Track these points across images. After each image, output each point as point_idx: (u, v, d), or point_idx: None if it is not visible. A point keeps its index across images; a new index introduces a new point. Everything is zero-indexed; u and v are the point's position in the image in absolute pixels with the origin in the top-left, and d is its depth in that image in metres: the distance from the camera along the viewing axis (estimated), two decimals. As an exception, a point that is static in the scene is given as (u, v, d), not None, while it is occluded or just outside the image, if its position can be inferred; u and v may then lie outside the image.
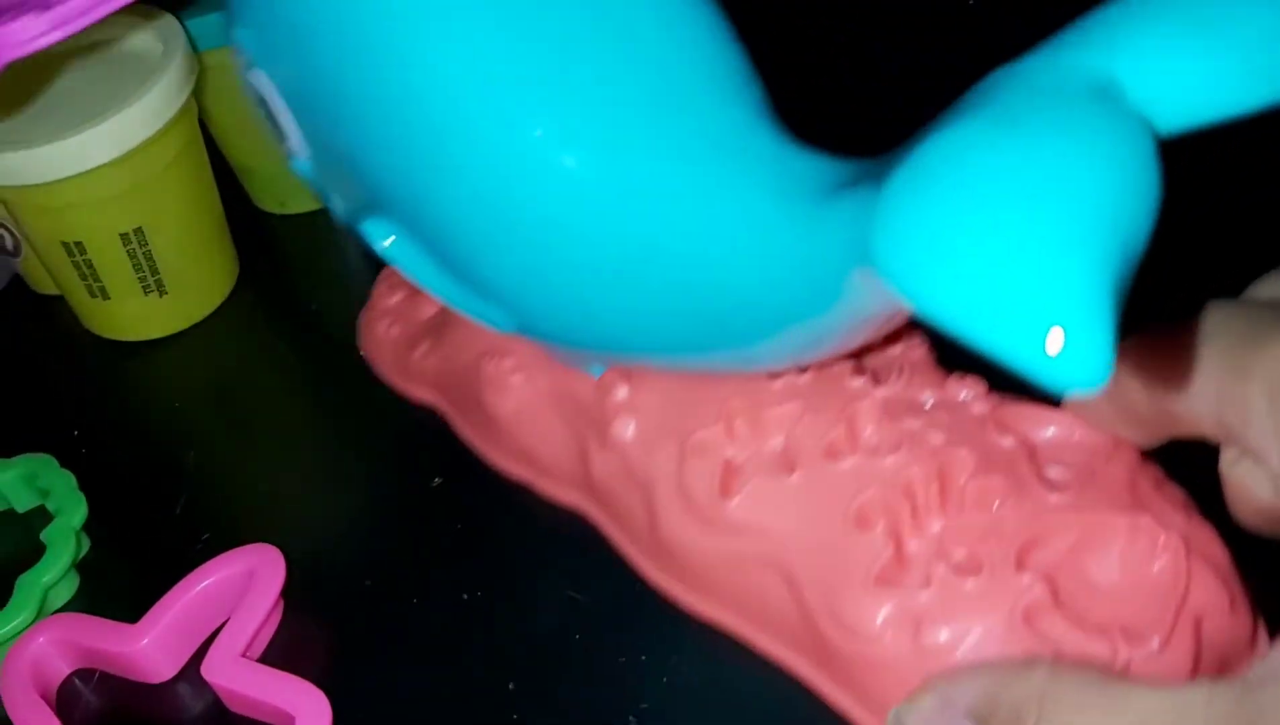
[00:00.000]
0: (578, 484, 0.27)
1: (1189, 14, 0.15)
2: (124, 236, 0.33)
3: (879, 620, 0.21)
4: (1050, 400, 0.23)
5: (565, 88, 0.20)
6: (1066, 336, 0.12)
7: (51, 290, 0.37)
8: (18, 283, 0.38)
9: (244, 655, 0.25)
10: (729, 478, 0.23)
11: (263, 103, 0.24)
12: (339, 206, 0.26)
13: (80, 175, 0.31)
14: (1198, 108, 0.14)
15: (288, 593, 0.26)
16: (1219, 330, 0.18)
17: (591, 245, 0.21)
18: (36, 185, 0.31)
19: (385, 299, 0.32)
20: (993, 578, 0.20)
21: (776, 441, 0.24)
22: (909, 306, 0.15)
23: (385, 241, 0.24)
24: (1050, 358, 0.13)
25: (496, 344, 0.27)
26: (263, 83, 0.24)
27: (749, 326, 0.20)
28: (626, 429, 0.25)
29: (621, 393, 0.25)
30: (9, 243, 0.35)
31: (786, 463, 0.23)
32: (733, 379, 0.24)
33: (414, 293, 0.32)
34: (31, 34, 0.27)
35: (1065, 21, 0.16)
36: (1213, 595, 0.20)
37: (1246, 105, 0.14)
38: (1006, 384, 0.23)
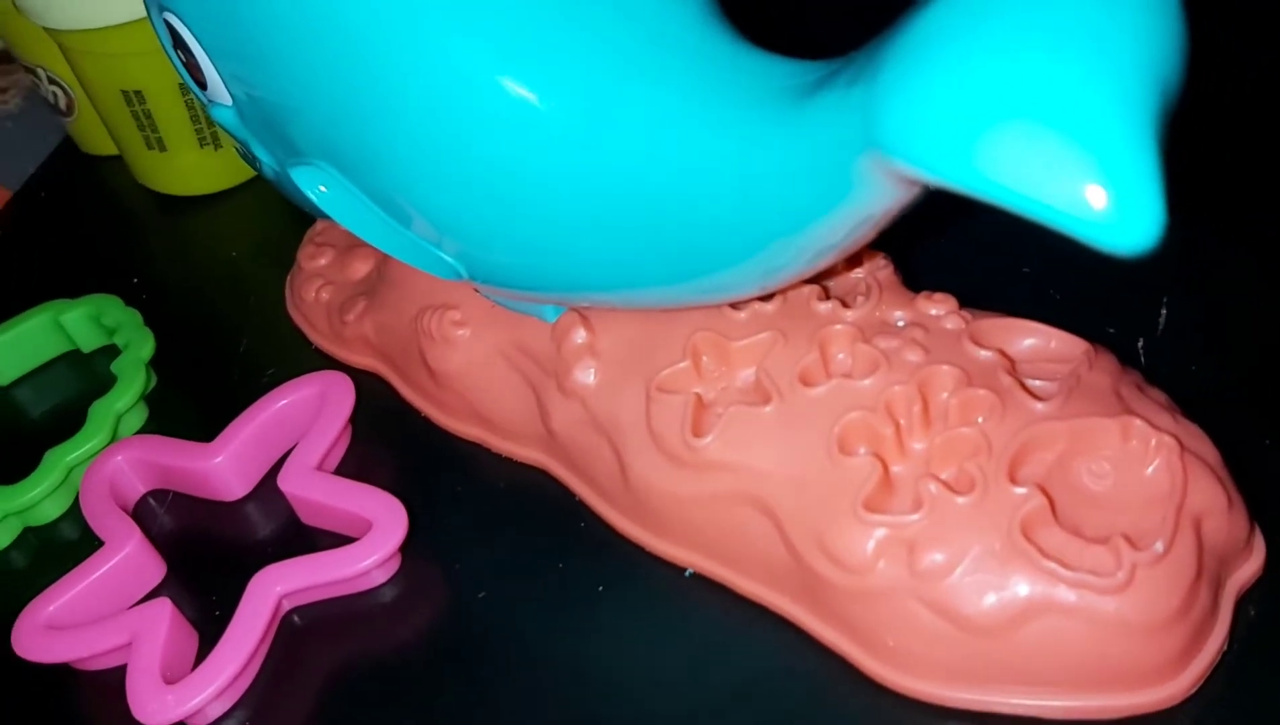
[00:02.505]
0: (537, 439, 0.25)
1: None
2: (182, 86, 0.32)
3: (870, 549, 0.20)
4: (1021, 313, 0.22)
5: (502, 8, 0.19)
6: (1115, 191, 0.12)
7: (102, 151, 0.37)
8: (68, 145, 0.38)
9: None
10: (700, 415, 0.22)
11: (178, 46, 0.23)
12: (265, 159, 0.24)
13: (142, 20, 0.30)
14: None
15: (355, 420, 0.27)
16: None
17: (549, 176, 0.19)
18: (97, 30, 0.31)
19: (312, 261, 0.30)
20: (985, 494, 0.20)
21: (747, 374, 0.22)
22: (923, 186, 0.14)
23: (319, 188, 0.22)
24: (1101, 214, 0.12)
25: (437, 298, 0.26)
26: (177, 24, 0.22)
27: (727, 246, 0.19)
28: (587, 375, 0.24)
29: (579, 337, 0.24)
30: (62, 102, 0.35)
31: (760, 394, 0.22)
32: (695, 313, 0.23)
33: (343, 252, 0.30)
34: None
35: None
36: (1210, 495, 0.20)
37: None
38: (976, 299, 0.23)
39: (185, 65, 0.23)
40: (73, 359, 0.31)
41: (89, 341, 0.31)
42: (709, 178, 0.18)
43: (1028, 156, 0.12)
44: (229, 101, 0.23)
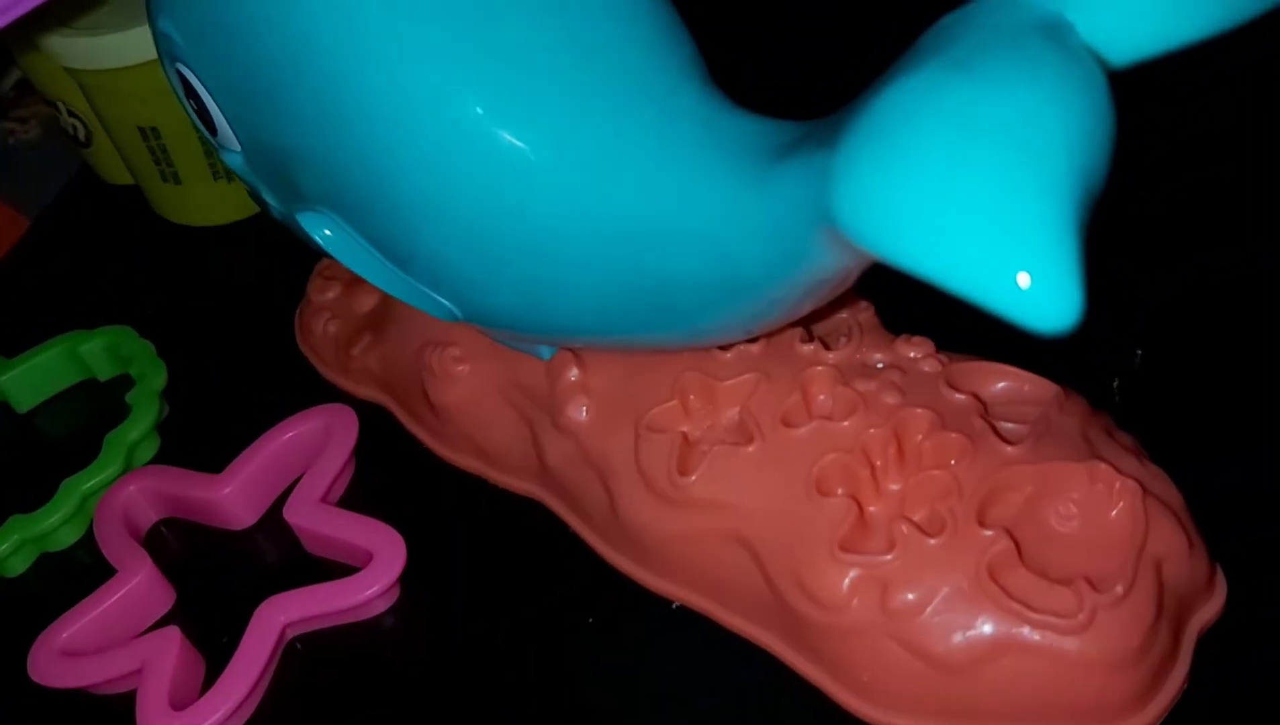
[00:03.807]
0: (532, 473, 0.26)
1: None
2: None
3: (845, 587, 0.21)
4: (998, 356, 0.23)
5: (496, 63, 0.20)
6: (1036, 275, 0.12)
7: (119, 181, 0.38)
8: (86, 173, 0.39)
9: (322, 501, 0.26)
10: (686, 454, 0.23)
11: (189, 95, 0.24)
12: (272, 202, 0.25)
13: (157, 61, 0.31)
14: (1146, 40, 0.14)
15: (359, 450, 0.28)
16: None
17: (535, 226, 0.20)
18: (116, 69, 0.33)
19: (321, 294, 0.31)
20: (955, 535, 0.20)
21: (732, 414, 0.23)
22: (874, 259, 0.15)
23: (324, 232, 0.23)
24: (1022, 297, 0.13)
25: (439, 334, 0.27)
26: (189, 75, 0.23)
27: (702, 298, 0.20)
28: (580, 412, 0.24)
29: (572, 375, 0.25)
30: (81, 133, 0.37)
31: (744, 434, 0.23)
32: (685, 354, 0.24)
33: (350, 287, 0.31)
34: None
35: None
36: (1171, 539, 0.20)
37: (1193, 35, 0.14)
38: (953, 343, 0.24)
39: (196, 112, 0.24)
40: (89, 387, 0.32)
41: (105, 371, 0.32)
42: (687, 234, 0.19)
43: (957, 244, 0.13)
44: (238, 148, 0.24)
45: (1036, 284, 0.12)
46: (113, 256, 0.37)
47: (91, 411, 0.32)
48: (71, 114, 0.36)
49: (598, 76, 0.20)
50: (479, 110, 0.20)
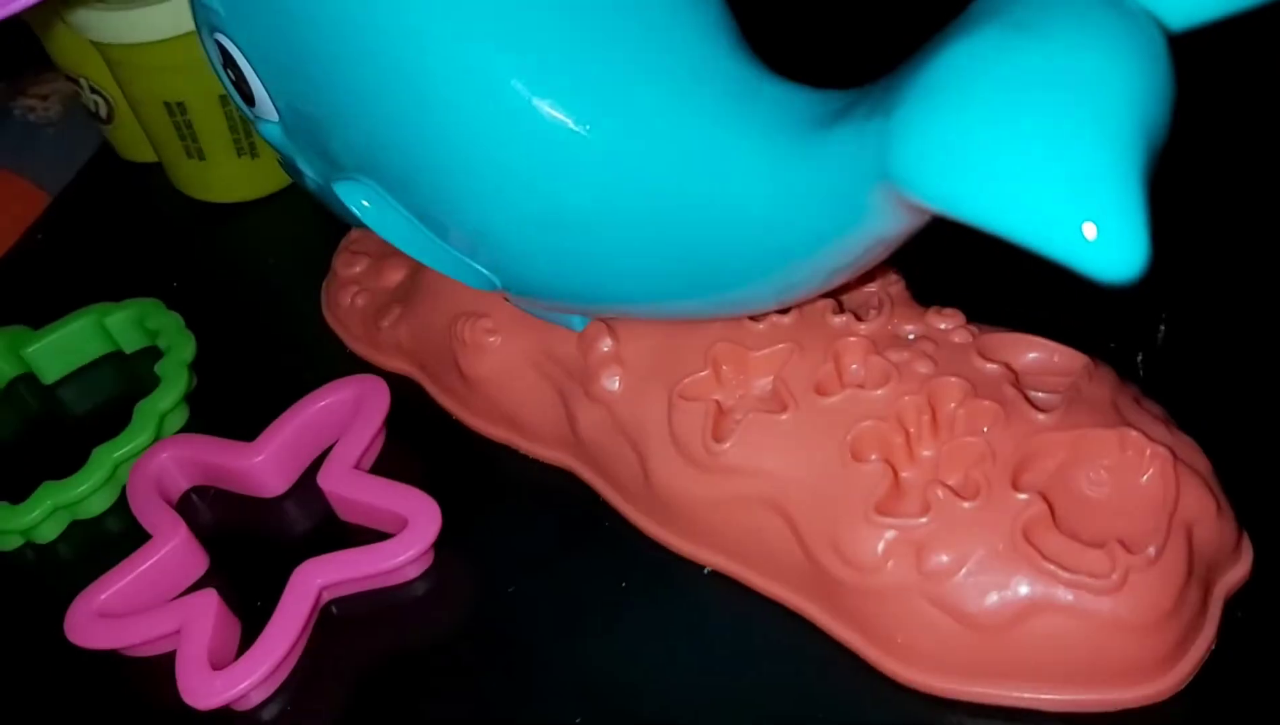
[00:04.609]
0: (563, 442, 0.27)
1: None
2: (222, 98, 0.34)
3: (880, 549, 0.21)
4: (1024, 328, 0.24)
5: (543, 37, 0.20)
6: (1104, 226, 0.13)
7: (141, 158, 0.39)
8: (106, 150, 0.40)
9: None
10: (720, 421, 0.23)
11: (228, 65, 0.24)
12: (309, 172, 0.25)
13: (185, 35, 0.32)
14: (1201, 3, 0.15)
15: (388, 421, 0.28)
16: None
17: (582, 196, 0.21)
18: (144, 44, 0.33)
19: (348, 268, 0.31)
20: (989, 499, 0.21)
21: (765, 383, 0.24)
22: (930, 217, 0.15)
23: (361, 202, 0.23)
24: (1090, 247, 0.13)
25: (470, 306, 0.27)
26: (228, 45, 0.23)
27: (746, 266, 0.20)
28: (613, 382, 0.25)
29: (605, 345, 0.25)
30: (103, 110, 0.37)
31: (777, 403, 0.23)
32: (716, 324, 0.24)
33: (377, 260, 0.31)
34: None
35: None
36: (1200, 503, 0.21)
37: (1248, 1, 0.15)
38: (982, 314, 0.24)
39: (234, 83, 0.24)
40: (115, 360, 0.33)
41: (131, 343, 0.32)
42: (733, 201, 0.20)
43: (1026, 195, 0.13)
44: (275, 118, 0.24)
45: (1103, 233, 0.13)
46: (135, 232, 0.37)
47: (118, 383, 0.32)
48: (94, 90, 0.36)
49: (642, 49, 0.20)
50: (526, 84, 0.20)
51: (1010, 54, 0.14)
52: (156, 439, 0.29)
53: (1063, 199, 0.13)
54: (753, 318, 0.24)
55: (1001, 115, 0.14)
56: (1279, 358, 0.26)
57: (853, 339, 0.23)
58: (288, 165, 0.26)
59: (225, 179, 0.36)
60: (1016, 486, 0.21)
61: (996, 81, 0.14)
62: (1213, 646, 0.21)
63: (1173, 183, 0.30)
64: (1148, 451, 0.21)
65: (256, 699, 0.24)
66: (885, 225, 0.18)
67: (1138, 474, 0.21)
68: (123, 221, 0.38)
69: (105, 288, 0.33)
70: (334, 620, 0.25)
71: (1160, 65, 0.14)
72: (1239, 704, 0.21)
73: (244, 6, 0.23)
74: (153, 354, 0.32)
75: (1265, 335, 0.27)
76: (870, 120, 0.17)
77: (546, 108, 0.20)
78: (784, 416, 0.23)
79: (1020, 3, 0.15)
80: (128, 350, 0.33)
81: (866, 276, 0.25)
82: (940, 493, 0.21)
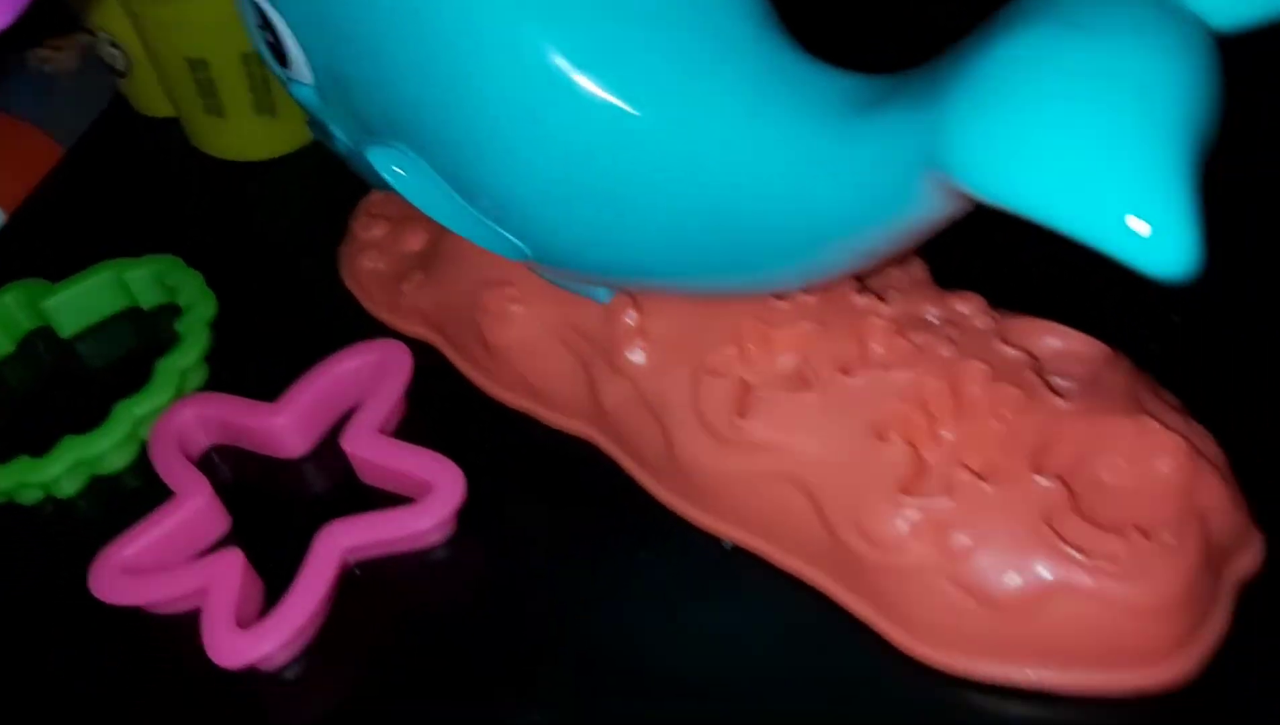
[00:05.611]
0: (585, 413, 0.27)
1: None
2: (244, 57, 0.34)
3: (903, 529, 0.22)
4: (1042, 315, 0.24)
5: (585, 12, 0.20)
6: (1157, 222, 0.13)
7: (156, 112, 0.39)
8: (120, 104, 0.40)
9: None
10: (744, 398, 0.24)
11: (264, 26, 0.24)
12: (341, 136, 0.25)
13: None
14: (1246, 8, 0.15)
15: (409, 387, 0.28)
16: None
17: (620, 171, 0.21)
18: (172, 1, 0.33)
19: (367, 231, 0.32)
20: (1011, 482, 0.21)
21: (789, 360, 0.24)
22: (974, 204, 0.15)
23: (393, 169, 0.24)
24: (1144, 243, 0.13)
25: (495, 275, 0.27)
26: (265, 6, 0.23)
27: (780, 246, 0.21)
28: (638, 355, 0.25)
29: (630, 318, 0.25)
30: (120, 63, 0.37)
31: (800, 381, 0.24)
32: (741, 301, 0.24)
33: (397, 225, 0.31)
34: None
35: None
36: (1215, 492, 0.21)
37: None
38: (1002, 299, 0.25)
39: (269, 45, 0.24)
40: (133, 316, 0.33)
41: (150, 299, 0.32)
42: (771, 182, 0.20)
43: (1079, 189, 0.14)
44: (310, 80, 0.24)
45: (1157, 230, 0.13)
46: (150, 187, 0.37)
47: (136, 339, 0.32)
48: (113, 44, 0.36)
49: (682, 27, 0.21)
50: (569, 59, 0.20)
51: (1065, 50, 0.15)
52: (177, 397, 0.29)
53: (1116, 194, 0.13)
54: (777, 296, 0.24)
55: (1056, 110, 0.14)
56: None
57: (877, 320, 0.24)
58: (318, 127, 0.26)
59: (243, 137, 0.36)
60: (1037, 471, 0.21)
61: (1051, 77, 0.15)
62: (1225, 633, 0.21)
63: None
64: (1165, 440, 0.21)
65: (281, 660, 0.24)
66: (926, 211, 0.18)
67: (1155, 462, 0.22)
68: (138, 176, 0.38)
69: (121, 242, 0.33)
70: (357, 583, 0.26)
71: (1208, 66, 0.14)
72: (1250, 690, 0.21)
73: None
74: (170, 311, 0.32)
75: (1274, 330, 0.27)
76: (917, 108, 0.17)
77: (588, 84, 0.20)
78: (808, 395, 0.23)
79: (1071, 1, 0.15)
80: (146, 306, 0.33)
81: (890, 260, 0.25)
82: (963, 475, 0.21)
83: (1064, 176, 0.14)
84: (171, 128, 0.38)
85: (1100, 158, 0.14)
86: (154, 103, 0.38)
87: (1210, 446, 0.22)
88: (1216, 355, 0.27)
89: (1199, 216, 0.13)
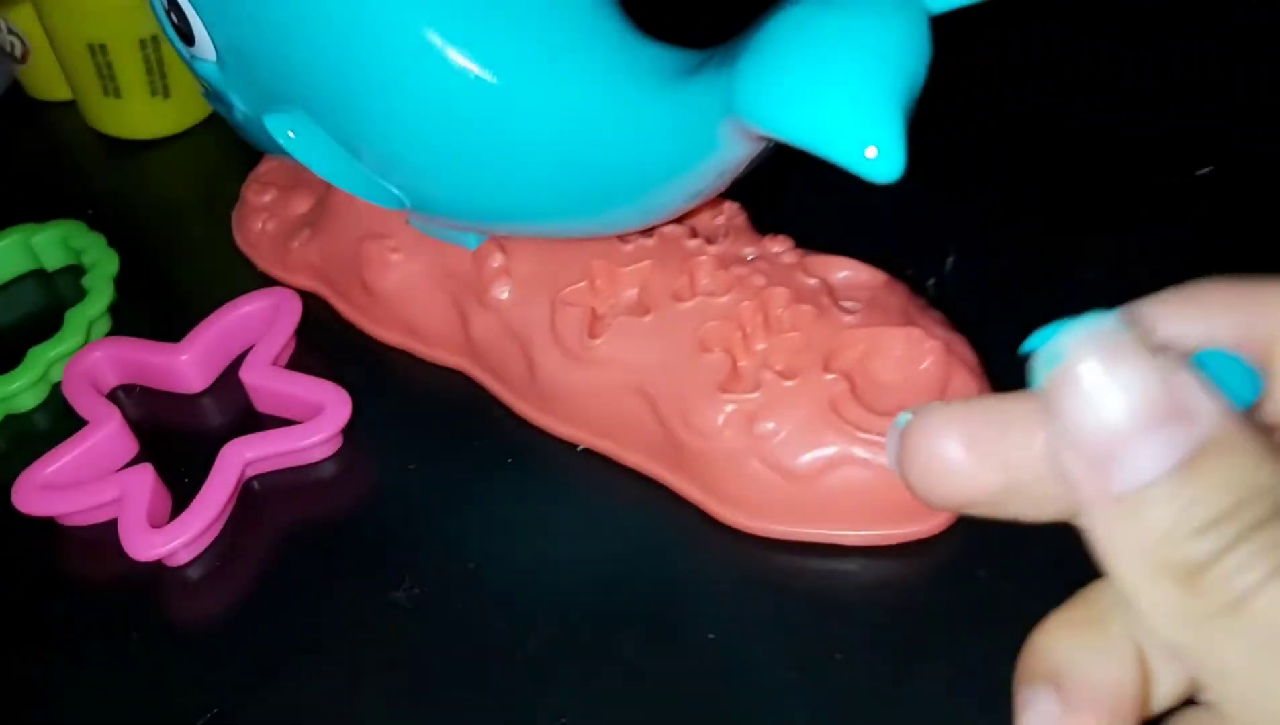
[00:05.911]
0: (457, 346, 0.31)
1: None
2: (142, 42, 0.37)
3: (720, 420, 0.26)
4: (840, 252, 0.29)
5: None
6: (879, 142, 0.18)
7: (50, 97, 0.42)
8: (16, 89, 0.42)
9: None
10: (594, 323, 0.28)
11: (171, 9, 0.27)
12: (240, 105, 0.29)
13: None
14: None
15: (298, 331, 0.32)
16: None
17: (479, 129, 0.25)
18: None
19: (258, 197, 0.35)
20: (806, 380, 0.26)
21: (631, 292, 0.29)
22: (764, 143, 0.20)
23: (287, 132, 0.27)
24: (864, 156, 0.18)
25: (376, 228, 0.31)
26: (172, -14, 0.27)
27: (621, 189, 0.25)
28: (503, 291, 0.29)
29: (496, 261, 0.29)
30: (18, 50, 0.39)
31: (641, 308, 0.28)
32: (592, 244, 0.29)
33: (285, 191, 0.35)
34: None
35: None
36: (966, 386, 0.27)
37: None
38: (808, 239, 0.30)
39: (175, 26, 0.28)
40: (38, 277, 0.35)
41: (55, 261, 0.35)
42: (608, 137, 0.24)
43: (827, 119, 0.19)
44: (212, 57, 0.28)
45: (879, 147, 0.18)
46: (51, 165, 0.40)
47: (42, 297, 0.35)
48: (11, 31, 0.39)
49: (537, 10, 0.25)
50: (441, 34, 0.24)
51: (820, 22, 0.20)
52: (86, 343, 0.32)
53: (852, 122, 0.19)
54: (622, 239, 0.29)
55: (811, 63, 0.20)
56: (1047, 278, 0.33)
57: (703, 258, 0.28)
58: (216, 99, 0.30)
59: (139, 116, 0.39)
60: (827, 370, 0.26)
61: (808, 40, 0.20)
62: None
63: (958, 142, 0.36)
64: (926, 344, 0.27)
65: (185, 557, 0.28)
66: (730, 154, 0.23)
67: (919, 362, 0.27)
68: (38, 155, 0.40)
69: (23, 215, 0.36)
70: (255, 493, 0.29)
71: (924, 37, 0.20)
72: (992, 535, 0.27)
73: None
74: (74, 272, 0.35)
75: (1026, 270, 0.33)
76: (720, 71, 0.22)
77: (457, 55, 0.24)
78: (647, 318, 0.28)
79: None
80: (50, 268, 0.35)
81: (715, 209, 0.30)
82: (768, 375, 0.26)
83: (815, 110, 0.19)
84: (66, 111, 0.41)
85: (841, 96, 0.19)
86: (50, 88, 0.41)
87: (965, 350, 0.28)
88: (981, 284, 0.33)
89: (905, 139, 0.19)
